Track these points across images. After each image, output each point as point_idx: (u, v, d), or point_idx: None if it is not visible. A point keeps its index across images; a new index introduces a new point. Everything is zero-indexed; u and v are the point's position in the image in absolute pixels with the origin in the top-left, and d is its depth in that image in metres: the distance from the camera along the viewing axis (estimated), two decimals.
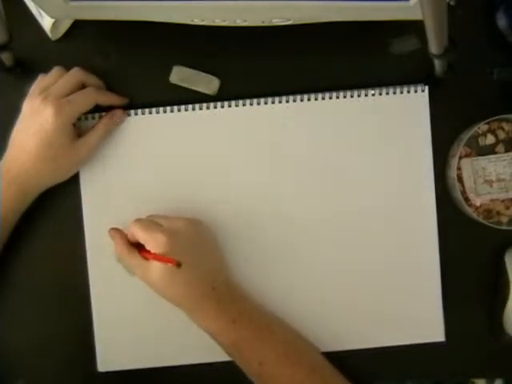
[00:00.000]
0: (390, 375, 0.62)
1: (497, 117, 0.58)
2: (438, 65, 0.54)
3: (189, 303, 0.55)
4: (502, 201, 0.60)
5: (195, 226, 0.57)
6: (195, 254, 0.55)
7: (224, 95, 0.61)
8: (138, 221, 0.56)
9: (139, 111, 0.60)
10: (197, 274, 0.55)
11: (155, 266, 0.53)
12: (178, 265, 0.52)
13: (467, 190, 0.59)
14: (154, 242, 0.53)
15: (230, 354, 0.56)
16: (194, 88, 0.61)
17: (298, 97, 0.60)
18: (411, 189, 0.60)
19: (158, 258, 0.53)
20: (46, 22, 0.59)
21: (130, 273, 0.60)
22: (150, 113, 0.60)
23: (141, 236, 0.54)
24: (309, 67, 0.61)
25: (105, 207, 0.61)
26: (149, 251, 0.54)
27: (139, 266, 0.55)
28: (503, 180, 0.59)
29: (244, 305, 0.57)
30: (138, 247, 0.56)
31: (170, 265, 0.52)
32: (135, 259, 0.55)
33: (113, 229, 0.58)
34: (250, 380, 0.60)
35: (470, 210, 0.58)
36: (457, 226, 0.61)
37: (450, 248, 0.60)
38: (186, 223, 0.56)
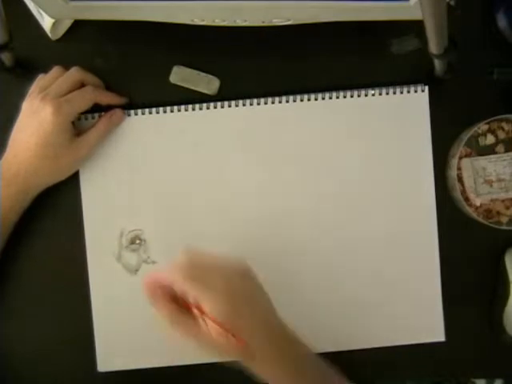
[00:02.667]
0: (390, 375, 0.62)
1: (497, 117, 0.58)
2: (438, 65, 0.54)
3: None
4: (502, 201, 0.60)
5: (249, 280, 0.50)
6: (255, 314, 0.49)
7: (224, 95, 0.61)
8: (183, 268, 0.47)
9: (139, 111, 0.60)
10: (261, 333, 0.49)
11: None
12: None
13: (467, 190, 0.59)
14: (210, 305, 0.46)
15: None
16: (193, 88, 0.61)
17: (298, 97, 0.60)
18: (411, 189, 0.60)
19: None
20: (46, 22, 0.59)
21: (131, 272, 0.60)
22: (150, 113, 0.60)
23: (190, 292, 0.47)
24: (309, 67, 0.61)
25: (105, 207, 0.61)
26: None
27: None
28: (503, 180, 0.59)
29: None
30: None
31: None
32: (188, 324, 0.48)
33: (149, 282, 0.48)
34: (250, 380, 0.60)
35: (470, 210, 0.58)
36: (457, 226, 0.61)
37: (450, 248, 0.60)
38: (241, 280, 0.49)
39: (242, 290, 0.49)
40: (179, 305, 0.48)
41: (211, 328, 0.46)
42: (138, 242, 0.60)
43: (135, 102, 0.61)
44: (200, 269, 0.48)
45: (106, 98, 0.59)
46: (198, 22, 0.53)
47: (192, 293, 0.47)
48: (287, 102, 0.60)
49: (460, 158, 0.58)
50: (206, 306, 0.46)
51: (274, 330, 0.50)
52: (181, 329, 0.47)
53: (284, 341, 0.51)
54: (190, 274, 0.47)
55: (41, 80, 0.58)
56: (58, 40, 0.61)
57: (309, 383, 0.51)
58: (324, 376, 0.53)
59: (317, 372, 0.52)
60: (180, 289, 0.47)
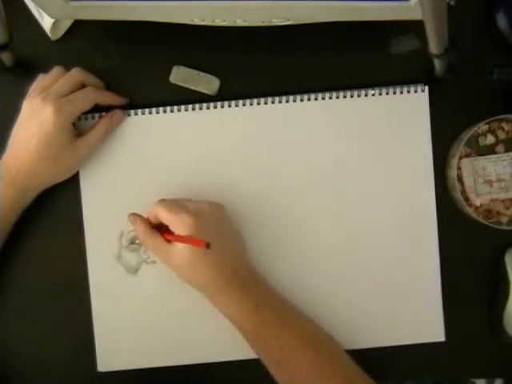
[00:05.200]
0: (390, 375, 0.62)
1: (497, 117, 0.58)
2: (438, 65, 0.54)
3: (213, 286, 0.54)
4: (502, 201, 0.60)
5: (218, 209, 0.57)
6: (219, 237, 0.54)
7: (224, 95, 0.61)
8: (162, 201, 0.56)
9: (139, 111, 0.60)
10: (221, 256, 0.54)
11: (180, 248, 0.53)
12: (208, 246, 0.50)
13: (467, 190, 0.59)
14: (179, 223, 0.53)
15: (250, 341, 0.56)
16: (193, 88, 0.61)
17: (298, 97, 0.60)
18: (411, 189, 0.60)
19: (184, 239, 0.52)
20: (45, 22, 0.59)
21: (131, 272, 0.60)
22: (150, 113, 0.60)
23: (165, 217, 0.54)
24: (309, 67, 0.61)
25: (105, 207, 0.60)
26: (172, 233, 0.54)
27: (162, 249, 0.55)
28: (503, 180, 0.59)
29: (265, 290, 0.57)
30: (160, 231, 0.56)
31: (198, 246, 0.52)
32: (158, 242, 0.55)
33: (132, 213, 0.58)
34: (248, 380, 0.61)
35: (470, 210, 0.58)
36: (457, 226, 0.61)
37: (450, 248, 0.60)
38: (210, 206, 0.56)
39: (209, 212, 0.55)
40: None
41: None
42: (137, 241, 0.60)
43: (135, 102, 0.61)
44: (175, 202, 0.56)
45: (107, 98, 0.59)
46: (197, 22, 0.53)
47: (167, 218, 0.54)
48: (287, 101, 0.60)
49: (460, 157, 0.58)
50: (176, 226, 0.53)
51: (234, 260, 0.55)
52: (150, 243, 0.55)
53: (246, 272, 0.56)
54: (167, 205, 0.55)
55: (41, 80, 0.58)
56: (58, 40, 0.61)
57: (272, 325, 0.54)
58: (305, 328, 0.56)
59: (293, 320, 0.56)
60: (156, 216, 0.55)
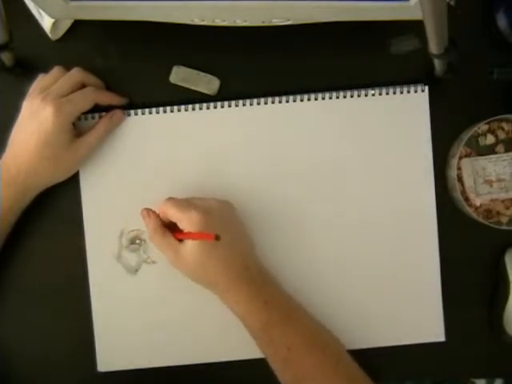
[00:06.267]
0: (389, 375, 0.62)
1: (497, 117, 0.58)
2: (438, 65, 0.54)
3: (222, 283, 0.54)
4: (502, 201, 0.60)
5: (227, 206, 0.57)
6: (228, 233, 0.54)
7: (224, 95, 0.61)
8: (171, 199, 0.56)
9: (139, 111, 0.60)
10: (230, 251, 0.54)
11: (189, 246, 0.53)
12: (217, 238, 0.51)
13: (467, 190, 0.59)
14: (187, 220, 0.53)
15: (257, 339, 0.55)
16: (193, 88, 0.61)
17: (298, 97, 0.60)
18: (411, 189, 0.60)
19: (194, 235, 0.53)
20: (45, 22, 0.59)
21: (131, 272, 0.60)
22: (150, 113, 0.60)
23: (174, 214, 0.54)
24: (309, 67, 0.61)
25: (105, 207, 0.61)
26: (181, 231, 0.54)
27: (171, 248, 0.55)
28: (503, 180, 0.59)
29: (273, 288, 0.57)
30: (170, 229, 0.56)
31: (207, 240, 0.52)
32: (168, 240, 0.55)
33: (145, 209, 0.58)
34: (249, 380, 0.61)
35: (470, 210, 0.58)
36: (457, 226, 0.61)
37: (450, 248, 0.60)
38: (219, 203, 0.56)
39: (218, 209, 0.55)
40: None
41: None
42: (137, 241, 0.60)
43: (135, 102, 0.61)
44: (184, 200, 0.56)
45: (107, 98, 0.59)
46: (197, 22, 0.53)
47: (176, 215, 0.54)
48: (287, 101, 0.60)
49: (460, 157, 0.58)
50: (184, 223, 0.54)
51: (243, 256, 0.56)
52: (159, 240, 0.55)
53: (255, 269, 0.56)
54: (176, 203, 0.55)
55: (41, 80, 0.58)
56: (58, 40, 0.61)
57: (280, 323, 0.54)
58: (309, 327, 0.56)
59: (299, 319, 0.56)
60: (165, 213, 0.55)
